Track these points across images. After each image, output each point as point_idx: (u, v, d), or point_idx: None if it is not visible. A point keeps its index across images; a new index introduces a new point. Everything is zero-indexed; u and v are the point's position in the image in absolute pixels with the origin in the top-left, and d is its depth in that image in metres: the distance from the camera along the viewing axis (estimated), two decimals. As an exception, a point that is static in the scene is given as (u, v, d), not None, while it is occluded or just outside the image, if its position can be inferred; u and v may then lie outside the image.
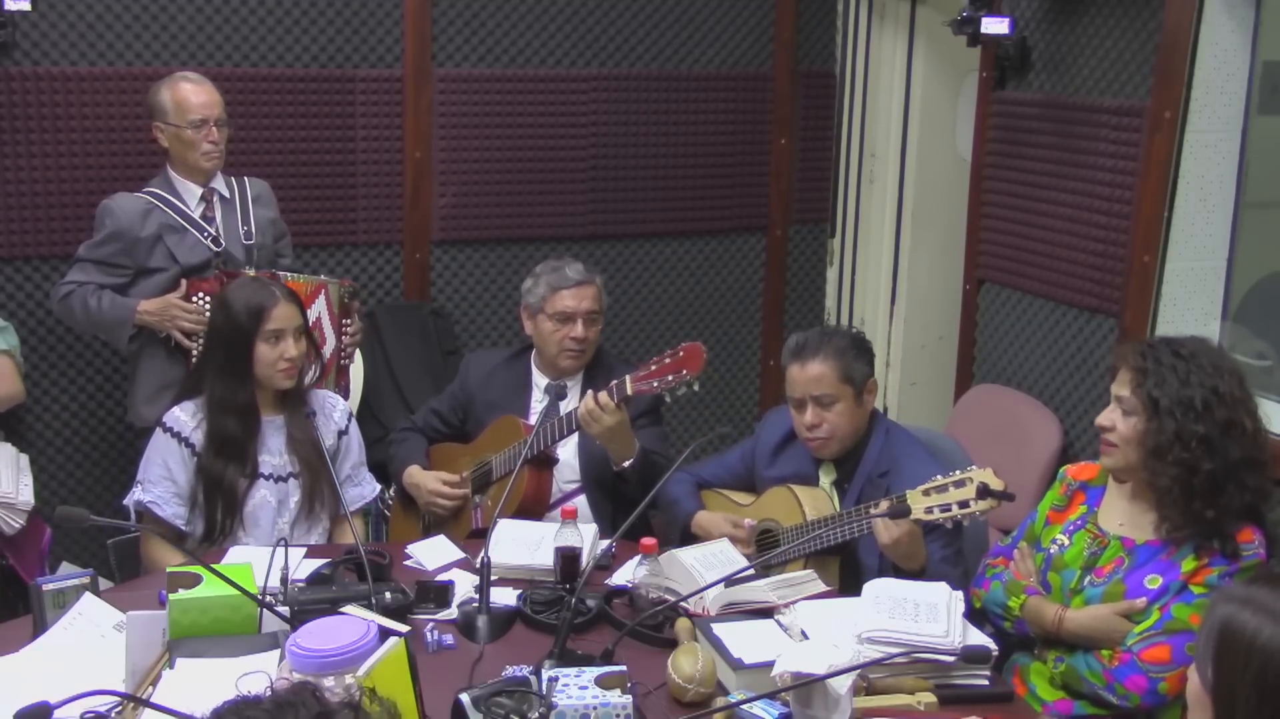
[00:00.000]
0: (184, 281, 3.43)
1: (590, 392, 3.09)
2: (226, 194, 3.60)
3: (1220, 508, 2.36)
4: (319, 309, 3.51)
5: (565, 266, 3.36)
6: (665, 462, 3.21)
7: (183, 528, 2.96)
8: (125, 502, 3.02)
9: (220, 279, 3.37)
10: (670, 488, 3.11)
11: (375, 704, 1.57)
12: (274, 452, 3.01)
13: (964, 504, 2.53)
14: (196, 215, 3.52)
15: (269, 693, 1.40)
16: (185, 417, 2.99)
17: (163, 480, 2.96)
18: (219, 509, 2.95)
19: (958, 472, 2.58)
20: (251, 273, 3.40)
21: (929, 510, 2.56)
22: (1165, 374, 2.40)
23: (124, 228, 3.44)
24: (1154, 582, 2.43)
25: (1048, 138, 3.92)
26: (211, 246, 3.50)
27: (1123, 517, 2.55)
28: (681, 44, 4.65)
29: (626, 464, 3.15)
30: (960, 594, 2.46)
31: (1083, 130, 3.78)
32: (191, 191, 3.54)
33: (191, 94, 3.48)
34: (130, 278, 3.47)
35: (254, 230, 3.59)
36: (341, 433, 3.14)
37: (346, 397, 3.62)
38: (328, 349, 3.51)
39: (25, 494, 3.50)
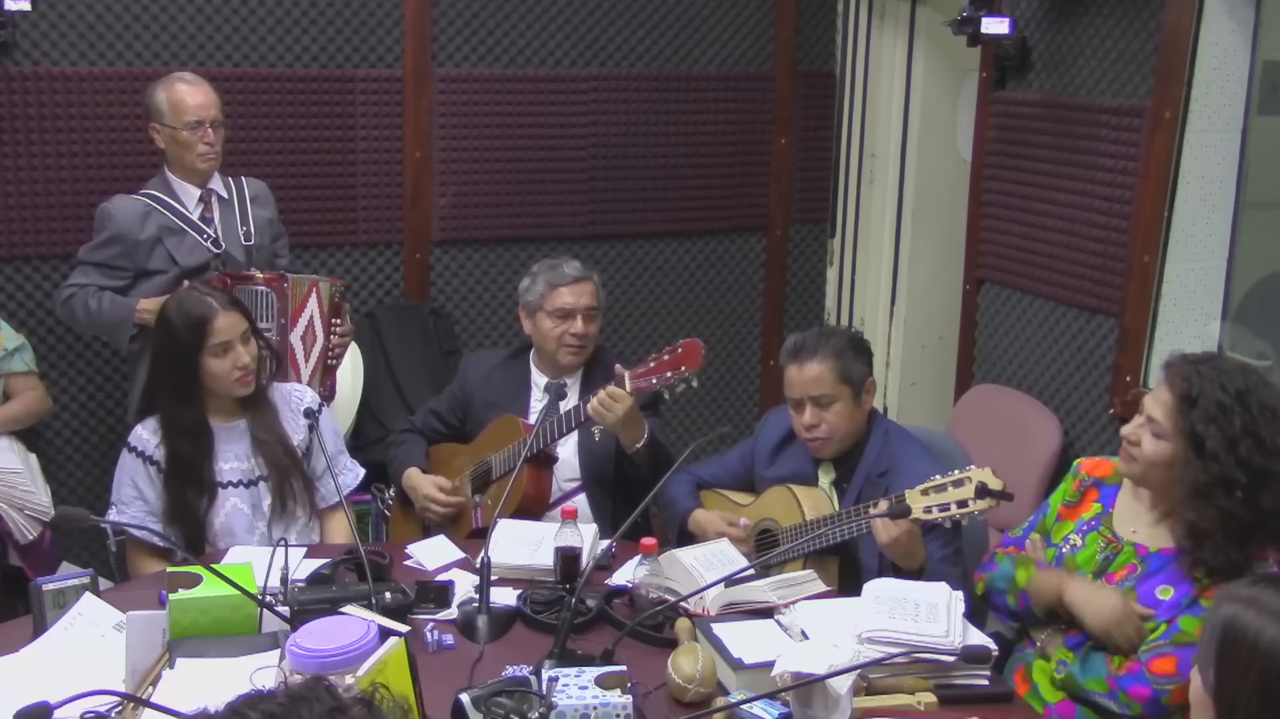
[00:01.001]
0: (185, 283, 3.42)
1: (598, 392, 3.09)
2: (224, 195, 3.59)
3: (1247, 553, 2.31)
4: (311, 308, 3.49)
5: (562, 264, 3.36)
6: (669, 449, 3.23)
7: (160, 544, 2.90)
8: (103, 523, 2.98)
9: (223, 280, 3.36)
10: (668, 487, 3.10)
11: (387, 701, 1.56)
12: (240, 457, 2.95)
13: (962, 504, 2.53)
14: (195, 217, 3.51)
15: (282, 687, 1.41)
16: (147, 434, 2.93)
17: (134, 501, 2.92)
18: (189, 527, 2.90)
19: (956, 471, 2.57)
20: (259, 275, 3.40)
21: (928, 510, 2.56)
22: (1212, 411, 2.31)
23: (123, 230, 3.44)
24: (1165, 592, 2.39)
25: (1048, 138, 3.92)
26: (211, 248, 3.49)
27: (1137, 522, 2.51)
28: (681, 44, 4.65)
29: (639, 445, 3.16)
30: (960, 594, 2.45)
31: (1083, 130, 3.77)
32: (189, 193, 3.53)
33: (187, 95, 3.47)
34: (130, 280, 3.47)
35: (252, 231, 3.59)
36: (312, 426, 3.04)
37: (332, 397, 3.57)
38: (316, 348, 3.50)
39: (49, 503, 3.54)
